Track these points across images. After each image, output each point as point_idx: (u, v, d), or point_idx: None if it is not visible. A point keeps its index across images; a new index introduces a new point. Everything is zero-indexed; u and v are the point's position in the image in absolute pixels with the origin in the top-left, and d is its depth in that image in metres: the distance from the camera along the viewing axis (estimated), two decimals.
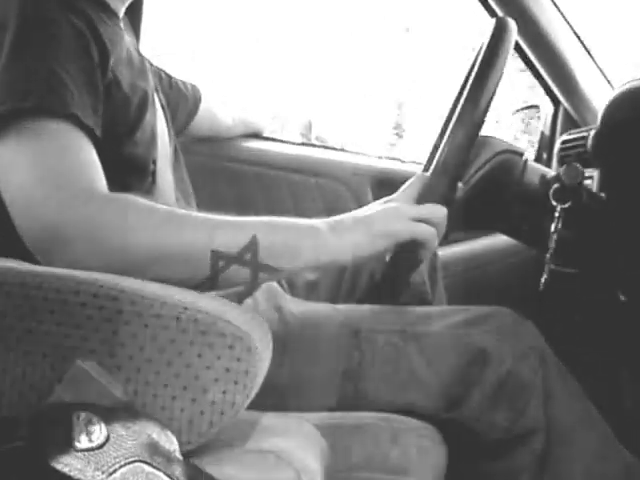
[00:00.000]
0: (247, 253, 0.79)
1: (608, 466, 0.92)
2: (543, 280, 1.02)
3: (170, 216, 0.77)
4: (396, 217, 0.87)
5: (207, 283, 0.77)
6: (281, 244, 0.81)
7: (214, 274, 0.78)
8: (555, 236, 1.00)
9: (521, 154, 1.07)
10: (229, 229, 0.79)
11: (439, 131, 1.22)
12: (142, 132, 0.91)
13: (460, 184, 0.97)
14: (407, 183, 0.95)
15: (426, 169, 1.11)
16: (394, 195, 0.94)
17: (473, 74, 0.94)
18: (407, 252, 0.89)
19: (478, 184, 1.01)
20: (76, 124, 0.78)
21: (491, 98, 0.92)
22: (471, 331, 0.92)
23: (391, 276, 0.96)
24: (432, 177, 0.92)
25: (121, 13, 0.97)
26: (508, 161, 1.04)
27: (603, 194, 1.16)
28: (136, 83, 0.91)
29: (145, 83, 0.96)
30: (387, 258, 0.91)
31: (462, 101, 0.93)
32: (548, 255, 1.01)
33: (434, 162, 0.94)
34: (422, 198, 0.91)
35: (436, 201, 0.89)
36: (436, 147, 1.18)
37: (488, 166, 1.02)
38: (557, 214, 1.00)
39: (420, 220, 0.87)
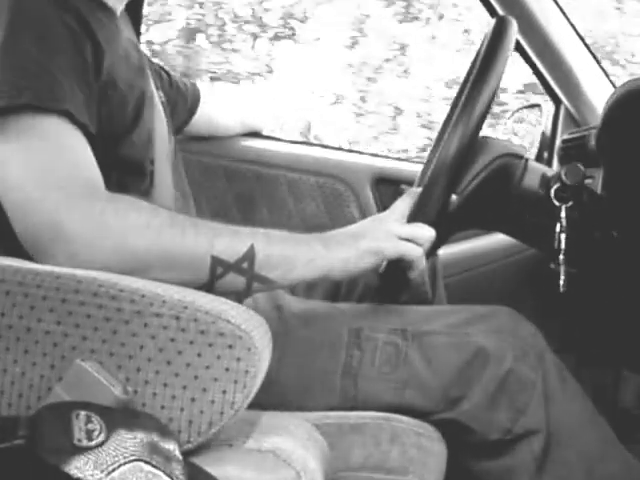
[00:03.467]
0: (244, 262, 0.79)
1: (609, 467, 0.92)
2: (562, 283, 1.01)
3: (172, 220, 0.78)
4: (385, 235, 0.88)
5: (204, 289, 0.77)
6: (277, 256, 0.82)
7: (211, 280, 0.78)
8: (563, 236, 1.00)
9: (521, 156, 1.07)
10: (229, 237, 0.79)
11: (436, 139, 1.21)
12: (139, 132, 0.91)
13: (454, 196, 0.97)
14: (399, 199, 0.96)
15: (420, 183, 1.11)
16: (386, 212, 0.95)
17: (472, 77, 0.94)
18: (395, 268, 0.90)
19: (478, 188, 1.00)
20: (70, 120, 0.77)
21: (489, 104, 0.92)
22: (471, 330, 0.92)
23: (385, 286, 0.97)
24: (423, 194, 0.92)
25: (119, 11, 0.96)
26: (507, 165, 1.04)
27: (604, 193, 1.16)
28: (133, 82, 0.91)
29: (143, 82, 0.95)
30: (381, 269, 0.92)
31: (458, 108, 0.92)
32: (561, 256, 1.00)
33: (426, 177, 0.93)
34: (413, 216, 0.92)
35: (426, 219, 0.90)
36: (430, 160, 1.18)
37: (487, 171, 1.01)
38: (562, 214, 1.00)
39: (408, 239, 0.88)
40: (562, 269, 1.01)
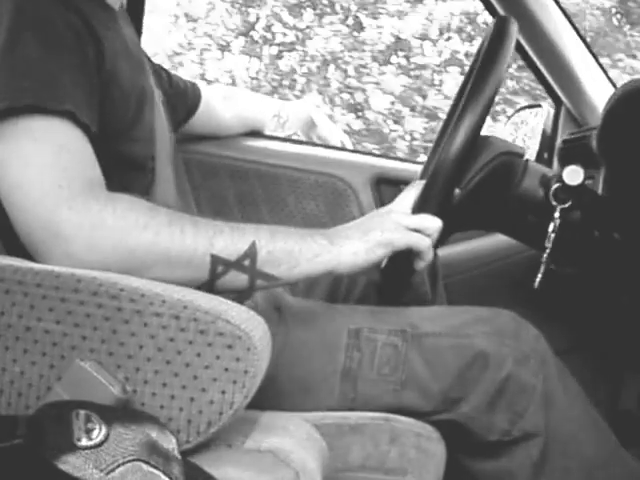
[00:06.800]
0: (246, 259, 0.79)
1: (610, 473, 0.92)
2: (538, 279, 1.02)
3: (171, 219, 0.77)
4: (393, 226, 0.88)
5: (205, 287, 0.77)
6: (280, 252, 0.81)
7: (212, 279, 0.78)
8: (553, 236, 1.00)
9: (521, 155, 1.07)
10: (229, 235, 0.79)
11: (438, 135, 1.21)
12: (141, 129, 0.91)
13: (457, 190, 0.97)
14: (404, 191, 0.96)
15: (423, 176, 1.11)
16: (392, 203, 0.95)
17: (473, 76, 0.94)
18: (401, 260, 0.90)
19: (478, 187, 1.01)
20: (72, 120, 0.77)
21: (490, 101, 0.92)
22: (472, 332, 0.92)
23: (387, 282, 0.97)
24: (428, 185, 0.92)
25: (117, 7, 0.96)
26: (508, 163, 1.04)
27: (605, 194, 1.16)
28: (134, 79, 0.91)
29: (144, 79, 0.95)
30: (383, 264, 0.92)
31: (461, 104, 0.92)
32: (545, 255, 1.01)
33: (431, 169, 0.94)
34: (418, 207, 0.92)
35: (432, 210, 0.90)
36: (434, 153, 1.18)
37: (487, 169, 1.01)
38: (557, 214, 1.00)
39: (415, 230, 0.88)
40: (542, 267, 1.01)
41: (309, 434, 0.79)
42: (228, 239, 0.79)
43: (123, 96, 0.87)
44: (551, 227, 1.00)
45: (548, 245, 1.01)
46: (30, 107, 0.76)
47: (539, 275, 1.02)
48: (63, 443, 0.59)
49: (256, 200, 1.46)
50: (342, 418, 0.89)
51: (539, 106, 1.57)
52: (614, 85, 1.48)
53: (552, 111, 1.54)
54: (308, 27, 4.83)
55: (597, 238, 1.07)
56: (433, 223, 0.89)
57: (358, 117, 4.68)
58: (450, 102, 1.24)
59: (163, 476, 0.59)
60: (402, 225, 0.88)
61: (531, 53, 1.46)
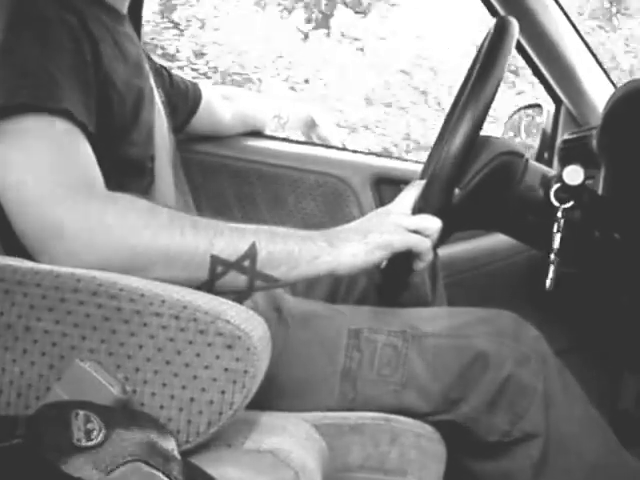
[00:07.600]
0: (246, 260, 0.79)
1: (610, 473, 0.91)
2: (549, 281, 1.01)
3: (171, 218, 0.77)
4: (392, 227, 0.87)
5: (204, 288, 0.77)
6: (280, 254, 0.81)
7: (212, 279, 0.78)
8: (558, 237, 1.00)
9: (522, 155, 1.07)
10: (230, 235, 0.79)
11: (438, 135, 1.21)
12: (138, 131, 0.91)
13: (457, 190, 0.97)
14: (403, 192, 0.95)
15: (423, 176, 1.11)
16: (390, 205, 0.94)
17: (473, 76, 0.94)
18: (401, 261, 0.90)
19: (478, 187, 1.00)
20: (69, 119, 0.77)
21: (490, 101, 0.92)
22: (472, 333, 0.92)
23: (387, 283, 0.97)
24: (428, 186, 0.92)
25: (124, 9, 0.96)
26: (508, 163, 1.04)
27: (605, 194, 1.16)
28: (131, 81, 0.91)
29: (141, 80, 0.95)
30: (383, 265, 0.92)
31: (460, 104, 0.92)
32: (552, 256, 1.01)
33: (430, 170, 0.93)
34: (418, 207, 0.91)
35: (432, 210, 0.90)
36: (434, 153, 1.18)
37: (488, 169, 1.01)
38: (560, 214, 1.00)
39: (415, 231, 0.88)
40: (552, 268, 1.01)
41: (309, 434, 0.79)
42: (228, 239, 0.79)
43: (119, 97, 0.87)
44: (555, 227, 1.00)
45: (555, 246, 1.00)
46: (28, 106, 0.76)
47: (550, 277, 1.01)
48: (62, 443, 0.59)
49: (256, 200, 1.46)
50: (342, 418, 0.89)
51: (539, 106, 1.57)
52: (614, 85, 1.48)
53: (552, 111, 1.54)
54: None
55: (597, 238, 1.07)
56: (433, 224, 0.89)
57: None
58: None
59: (163, 476, 0.59)
60: (401, 226, 0.88)
61: (531, 53, 1.46)
